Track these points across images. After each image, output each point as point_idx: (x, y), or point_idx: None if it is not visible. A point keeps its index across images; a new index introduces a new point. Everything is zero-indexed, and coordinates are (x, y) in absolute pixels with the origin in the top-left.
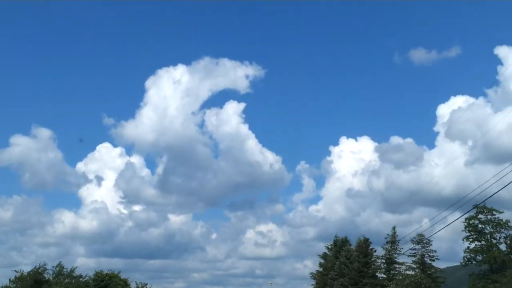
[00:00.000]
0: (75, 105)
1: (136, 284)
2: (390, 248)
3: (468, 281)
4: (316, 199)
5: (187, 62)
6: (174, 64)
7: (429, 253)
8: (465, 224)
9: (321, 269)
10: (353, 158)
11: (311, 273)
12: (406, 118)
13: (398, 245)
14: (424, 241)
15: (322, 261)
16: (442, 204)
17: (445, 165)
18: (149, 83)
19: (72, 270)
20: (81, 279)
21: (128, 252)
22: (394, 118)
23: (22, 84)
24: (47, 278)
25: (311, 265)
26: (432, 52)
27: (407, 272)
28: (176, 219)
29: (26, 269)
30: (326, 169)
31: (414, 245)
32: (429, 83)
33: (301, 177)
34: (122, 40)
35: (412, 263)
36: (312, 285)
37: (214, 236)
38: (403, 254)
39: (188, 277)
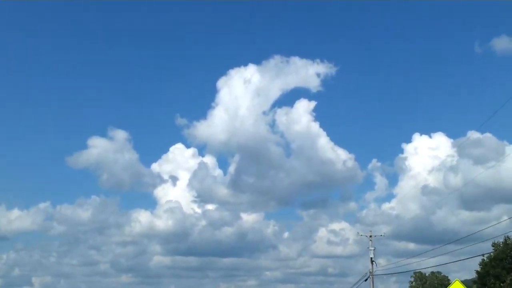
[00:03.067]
0: (149, 106)
1: None
2: None
3: None
4: (389, 197)
5: (257, 61)
6: (245, 64)
7: None
8: None
9: None
10: (427, 155)
11: None
12: (484, 112)
13: None
14: None
15: None
16: None
17: None
18: (220, 83)
19: None
20: None
21: (202, 250)
22: (471, 112)
23: (98, 87)
24: None
25: (384, 262)
26: None
27: None
28: (248, 218)
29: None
30: (399, 166)
31: None
32: (510, 74)
33: (373, 175)
34: (194, 42)
35: None
36: None
37: (286, 234)
38: None
39: (261, 276)
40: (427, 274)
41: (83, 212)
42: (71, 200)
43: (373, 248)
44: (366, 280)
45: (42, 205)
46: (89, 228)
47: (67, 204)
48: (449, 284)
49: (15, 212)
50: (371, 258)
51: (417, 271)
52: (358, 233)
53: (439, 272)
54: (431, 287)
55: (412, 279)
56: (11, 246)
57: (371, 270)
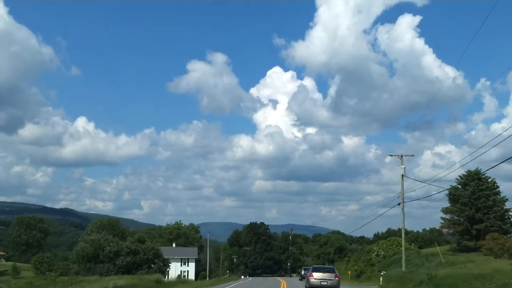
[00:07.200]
0: (246, 27)
1: None
2: None
3: None
4: (499, 117)
5: None
6: None
7: None
8: None
9: None
10: None
11: None
12: None
13: None
14: None
15: None
16: None
17: None
18: (319, 0)
19: None
20: None
21: (302, 175)
22: None
23: (196, 10)
24: None
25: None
26: None
27: None
28: (349, 142)
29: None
30: (511, 84)
31: None
32: None
33: (481, 95)
34: None
35: None
36: None
37: (388, 158)
38: None
39: (362, 200)
40: None
41: (186, 137)
42: (174, 125)
43: None
44: None
45: (147, 131)
46: (192, 153)
47: (170, 129)
48: None
49: (123, 138)
50: None
51: None
52: None
53: None
54: None
55: None
56: (120, 171)
57: None
